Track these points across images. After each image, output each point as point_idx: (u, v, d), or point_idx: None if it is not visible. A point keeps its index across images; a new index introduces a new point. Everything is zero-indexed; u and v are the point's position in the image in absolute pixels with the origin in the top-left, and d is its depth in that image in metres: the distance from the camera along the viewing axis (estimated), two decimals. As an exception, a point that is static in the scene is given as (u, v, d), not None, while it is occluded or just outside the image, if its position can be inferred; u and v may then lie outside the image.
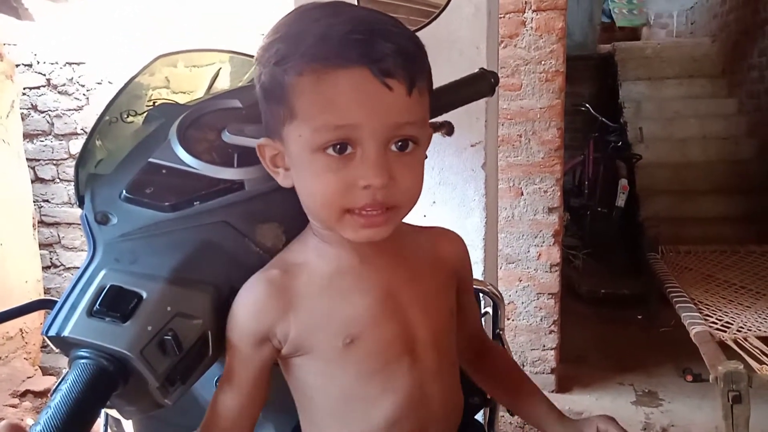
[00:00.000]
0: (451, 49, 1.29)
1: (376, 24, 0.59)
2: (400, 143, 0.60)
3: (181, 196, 0.69)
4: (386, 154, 0.59)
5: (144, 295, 0.61)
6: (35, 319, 2.91)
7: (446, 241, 0.77)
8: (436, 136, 1.04)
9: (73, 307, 0.60)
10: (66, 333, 0.59)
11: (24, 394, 2.73)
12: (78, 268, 0.64)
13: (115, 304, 0.60)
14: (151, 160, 0.72)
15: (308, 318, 0.65)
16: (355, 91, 0.57)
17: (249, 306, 0.65)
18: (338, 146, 0.59)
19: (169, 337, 0.60)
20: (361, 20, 0.59)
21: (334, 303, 0.66)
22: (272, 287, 0.65)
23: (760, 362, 2.04)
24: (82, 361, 0.58)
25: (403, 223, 0.70)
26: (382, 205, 0.60)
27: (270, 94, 0.62)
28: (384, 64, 0.57)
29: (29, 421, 2.49)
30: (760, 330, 2.34)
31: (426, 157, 0.67)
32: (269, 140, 0.65)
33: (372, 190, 0.59)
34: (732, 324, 2.41)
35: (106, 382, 0.58)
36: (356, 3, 0.90)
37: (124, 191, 0.69)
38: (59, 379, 0.57)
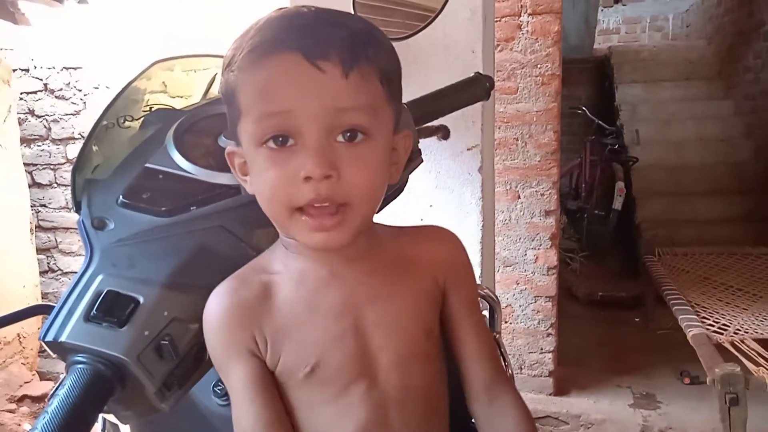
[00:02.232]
0: (446, 54, 1.29)
1: (324, 14, 0.57)
2: (348, 134, 0.56)
3: (177, 201, 0.69)
4: (330, 144, 0.55)
5: (141, 300, 0.61)
6: (33, 324, 2.90)
7: (434, 242, 0.69)
8: (433, 140, 1.05)
9: (71, 313, 0.61)
10: (63, 338, 0.59)
11: (21, 399, 2.73)
12: (75, 272, 0.64)
13: (112, 309, 0.60)
14: (147, 165, 0.72)
15: (274, 339, 0.61)
16: (286, 75, 0.54)
17: (223, 318, 0.61)
18: (280, 138, 0.56)
19: (166, 342, 0.60)
20: (306, 12, 0.57)
21: (296, 326, 0.62)
22: (245, 295, 0.62)
23: (757, 364, 2.04)
24: (80, 366, 0.58)
25: (383, 226, 0.67)
26: (328, 200, 0.56)
27: (225, 98, 0.60)
28: (317, 47, 0.54)
29: (26, 426, 2.49)
30: (757, 332, 2.35)
31: (406, 152, 0.64)
32: (235, 147, 0.62)
33: (314, 184, 0.55)
34: (729, 326, 2.41)
35: (103, 387, 0.58)
36: (351, 6, 0.90)
37: (120, 196, 0.70)
38: (56, 384, 0.57)
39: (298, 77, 0.54)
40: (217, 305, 0.62)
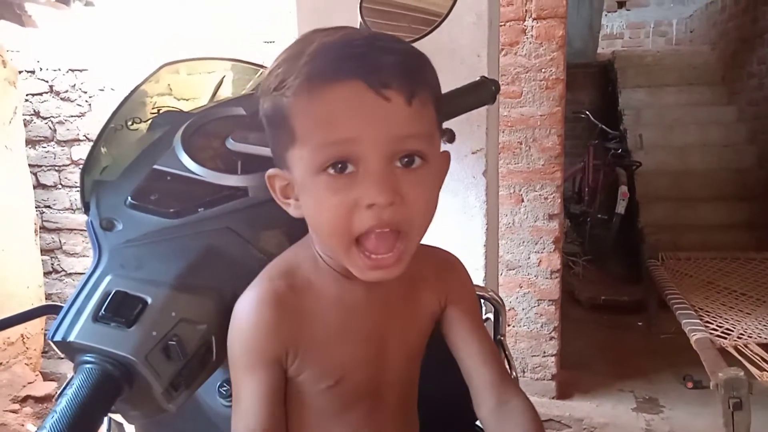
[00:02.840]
0: (452, 58, 1.30)
1: (373, 39, 0.57)
2: (405, 159, 0.56)
3: (185, 202, 0.70)
4: (391, 170, 0.56)
5: (149, 300, 0.62)
6: (36, 324, 2.91)
7: (443, 269, 0.72)
8: (438, 144, 1.05)
9: (79, 313, 0.61)
10: (71, 338, 0.59)
11: (25, 400, 2.73)
12: (79, 273, 0.65)
13: (121, 309, 0.61)
14: (155, 167, 0.73)
15: (304, 353, 0.63)
16: (350, 103, 0.54)
17: (261, 324, 0.61)
18: (339, 165, 0.55)
19: (174, 343, 0.61)
20: (358, 37, 0.57)
21: (328, 345, 0.64)
22: (283, 305, 0.62)
23: (761, 369, 2.04)
24: (88, 366, 0.58)
25: None
26: (390, 225, 0.56)
27: (272, 121, 0.60)
28: (379, 75, 0.54)
29: (29, 427, 2.49)
30: (760, 337, 2.34)
31: (446, 172, 0.65)
32: (278, 170, 0.62)
33: (377, 210, 0.55)
34: (732, 331, 2.41)
35: (111, 386, 0.58)
36: (359, 12, 0.91)
37: (129, 198, 0.70)
38: (64, 384, 0.58)
39: (362, 106, 0.54)
40: (255, 311, 0.62)
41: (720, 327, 2.45)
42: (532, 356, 2.85)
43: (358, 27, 0.88)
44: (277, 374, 0.62)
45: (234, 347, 0.62)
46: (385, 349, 0.67)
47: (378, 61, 0.55)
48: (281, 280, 0.63)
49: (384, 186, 0.55)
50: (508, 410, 0.66)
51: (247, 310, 0.62)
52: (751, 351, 2.19)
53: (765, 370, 2.02)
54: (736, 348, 2.23)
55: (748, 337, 2.35)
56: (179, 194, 0.71)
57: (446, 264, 0.73)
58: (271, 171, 0.63)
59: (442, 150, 0.64)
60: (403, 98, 0.55)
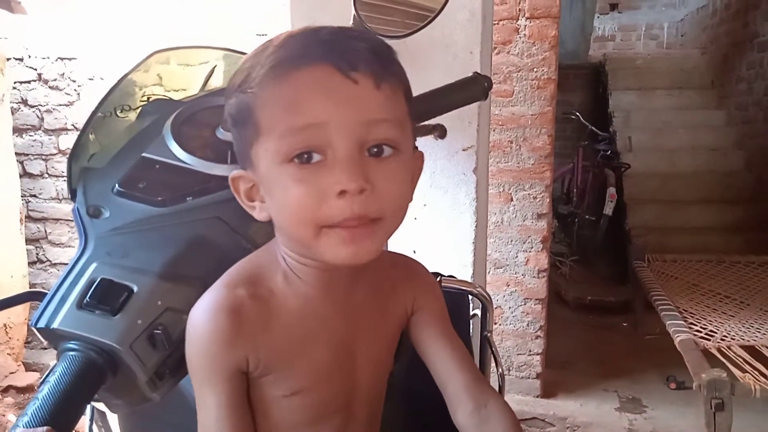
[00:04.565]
0: (445, 53, 1.30)
1: (342, 30, 0.56)
2: (375, 149, 0.54)
3: (173, 191, 0.69)
4: (361, 158, 0.54)
5: (135, 289, 0.61)
6: (19, 314, 2.89)
7: (409, 277, 0.70)
8: (429, 139, 1.05)
9: (63, 300, 0.61)
10: (55, 325, 0.59)
11: (6, 390, 2.71)
12: (65, 264, 0.65)
13: (106, 297, 0.60)
14: (144, 155, 0.72)
15: (268, 360, 0.60)
16: (318, 86, 0.53)
17: (217, 334, 0.58)
18: (305, 155, 0.53)
19: (159, 332, 0.60)
20: (332, 29, 0.56)
21: (294, 352, 0.61)
22: (240, 314, 0.58)
23: (743, 371, 2.06)
24: (71, 353, 0.58)
25: None
26: (362, 217, 0.53)
27: (237, 120, 0.57)
28: (348, 58, 0.53)
29: (11, 417, 2.47)
30: (743, 339, 2.37)
31: (419, 172, 0.63)
32: (242, 171, 0.59)
33: (348, 200, 0.52)
34: (716, 333, 2.43)
35: (94, 374, 0.58)
36: (353, 5, 0.90)
37: (116, 185, 0.70)
38: (48, 371, 0.57)
39: (330, 89, 0.53)
40: (214, 322, 0.58)
41: (704, 329, 2.47)
42: (518, 355, 2.87)
43: (351, 20, 0.88)
44: (239, 384, 0.60)
45: (191, 360, 0.59)
46: (353, 358, 0.64)
47: (346, 46, 0.54)
48: (240, 287, 0.60)
49: (354, 172, 0.52)
50: (486, 413, 0.65)
51: (202, 319, 0.59)
52: (734, 353, 2.21)
53: (747, 372, 2.05)
54: (719, 350, 2.25)
55: (732, 339, 2.37)
56: (168, 183, 0.70)
57: (411, 270, 0.71)
58: (235, 173, 0.60)
59: (420, 150, 0.62)
60: (371, 81, 0.53)
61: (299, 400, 0.62)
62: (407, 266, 0.71)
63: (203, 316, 0.58)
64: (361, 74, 0.53)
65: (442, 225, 1.35)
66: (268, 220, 0.59)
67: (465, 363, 0.68)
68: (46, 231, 3.33)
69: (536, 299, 2.82)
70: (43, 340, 0.62)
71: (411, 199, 0.60)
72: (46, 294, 0.63)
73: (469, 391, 0.66)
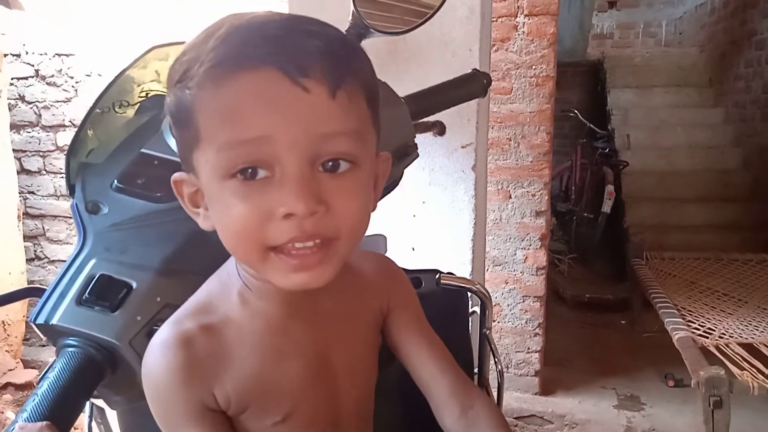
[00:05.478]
0: (444, 50, 1.30)
1: (292, 22, 0.48)
2: (330, 163, 0.48)
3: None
4: (313, 175, 0.47)
5: (134, 285, 0.61)
6: (18, 311, 2.88)
7: (377, 271, 0.66)
8: (427, 137, 1.05)
9: (62, 296, 0.60)
10: (54, 321, 0.59)
11: (5, 387, 2.70)
12: (62, 261, 0.64)
13: (105, 293, 0.60)
14: (143, 150, 0.72)
15: (240, 391, 0.55)
16: (262, 95, 0.46)
17: (172, 374, 0.53)
18: (249, 170, 0.47)
19: (158, 328, 0.60)
20: (275, 18, 0.48)
21: (265, 375, 0.56)
22: (193, 348, 0.53)
23: (741, 368, 2.06)
24: (70, 349, 0.58)
25: None
26: (315, 236, 0.48)
27: (176, 119, 0.51)
28: (297, 61, 0.46)
29: (10, 414, 2.47)
30: (741, 337, 2.37)
31: (384, 176, 0.57)
32: (185, 174, 0.53)
33: (297, 221, 0.47)
34: (714, 330, 2.43)
35: (93, 371, 0.58)
36: (351, 1, 0.90)
37: (115, 181, 0.69)
38: (47, 367, 0.57)
39: (277, 98, 0.46)
40: (165, 361, 0.53)
41: (702, 326, 2.47)
42: (516, 352, 2.87)
43: (350, 16, 0.88)
44: (214, 424, 0.54)
45: (152, 407, 0.54)
46: (331, 369, 0.60)
47: (296, 45, 0.47)
48: (187, 321, 0.55)
49: (303, 192, 0.46)
50: (474, 414, 0.63)
51: (153, 360, 0.54)
52: (732, 350, 2.22)
53: (745, 369, 2.05)
54: (717, 347, 2.25)
55: (730, 336, 2.37)
56: (167, 179, 0.69)
57: (382, 266, 0.67)
58: (176, 175, 0.54)
59: (385, 152, 0.57)
60: (324, 89, 0.47)
61: (287, 427, 0.57)
62: (378, 263, 0.67)
63: (152, 357, 0.54)
64: (313, 81, 0.46)
65: (441, 222, 1.35)
66: (213, 230, 0.52)
67: (447, 365, 0.65)
68: (44, 228, 3.33)
69: (535, 297, 2.83)
70: (42, 336, 0.62)
71: (374, 209, 0.55)
72: (44, 290, 0.63)
73: (455, 395, 0.63)
